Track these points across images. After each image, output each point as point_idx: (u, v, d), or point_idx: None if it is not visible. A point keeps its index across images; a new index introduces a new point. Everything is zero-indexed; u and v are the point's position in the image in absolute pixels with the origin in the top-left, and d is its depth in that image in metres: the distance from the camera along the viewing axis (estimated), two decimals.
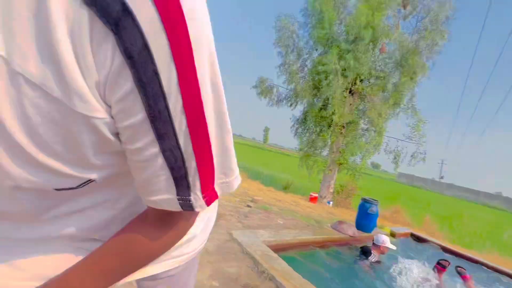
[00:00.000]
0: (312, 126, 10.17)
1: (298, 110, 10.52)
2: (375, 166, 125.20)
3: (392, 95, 8.23)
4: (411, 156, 9.06)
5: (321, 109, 9.14)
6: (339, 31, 9.21)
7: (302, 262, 2.81)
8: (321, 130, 9.79)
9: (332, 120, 8.68)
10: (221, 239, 2.67)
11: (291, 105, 10.36)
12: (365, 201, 4.52)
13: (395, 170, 9.46)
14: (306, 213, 5.65)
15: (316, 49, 9.30)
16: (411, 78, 8.04)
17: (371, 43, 8.15)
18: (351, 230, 4.09)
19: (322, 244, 3.46)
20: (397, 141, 9.42)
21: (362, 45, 7.88)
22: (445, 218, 12.77)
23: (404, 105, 8.56)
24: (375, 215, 4.39)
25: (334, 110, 8.08)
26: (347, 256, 3.53)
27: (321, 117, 9.10)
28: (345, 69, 8.10)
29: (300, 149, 10.36)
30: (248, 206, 4.81)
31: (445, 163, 46.72)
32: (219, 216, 3.46)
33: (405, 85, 8.01)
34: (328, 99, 8.44)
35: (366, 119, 8.54)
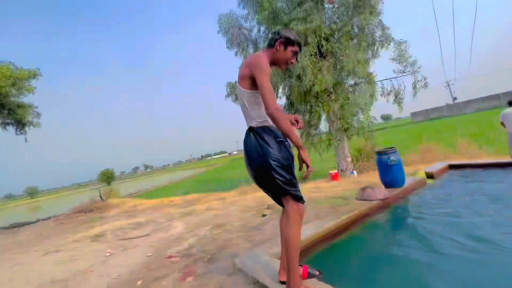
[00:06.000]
0: (301, 107, 9.59)
1: (279, 100, 9.99)
2: (387, 117, 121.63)
3: (360, 37, 7.61)
4: (412, 87, 8.30)
5: (300, 86, 8.59)
6: (282, 6, 8.75)
7: (326, 263, 2.19)
8: (311, 106, 9.19)
9: (317, 92, 8.08)
10: (223, 276, 2.09)
11: None
12: (380, 153, 3.87)
13: (400, 111, 8.70)
14: (330, 194, 4.99)
15: (269, 31, 8.83)
16: (371, 13, 7.42)
17: (316, 1, 7.63)
18: (381, 193, 3.44)
19: (349, 226, 2.83)
20: (391, 80, 8.70)
21: (308, 6, 7.36)
22: (477, 135, 11.75)
23: (377, 40, 7.90)
24: (399, 165, 3.73)
25: (313, 80, 7.50)
26: (383, 226, 2.88)
27: (304, 93, 8.52)
28: (302, 35, 7.57)
29: (300, 134, 9.75)
30: (263, 215, 4.23)
31: (452, 83, 44.36)
32: (224, 245, 2.90)
33: (368, 21, 7.38)
34: (301, 73, 7.87)
35: (346, 72, 7.89)
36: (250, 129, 1.60)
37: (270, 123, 1.57)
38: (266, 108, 1.43)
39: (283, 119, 1.42)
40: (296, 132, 1.56)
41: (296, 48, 1.68)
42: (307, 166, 1.48)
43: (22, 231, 9.61)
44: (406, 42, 7.96)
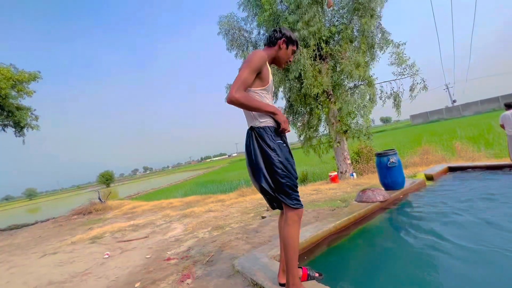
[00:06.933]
0: (300, 109, 9.60)
1: (280, 101, 10.02)
2: (386, 120, 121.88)
3: (361, 39, 7.63)
4: (410, 90, 8.31)
5: (300, 88, 8.60)
6: (282, 8, 8.79)
7: (326, 265, 2.18)
8: (311, 108, 9.20)
9: (316, 93, 8.09)
10: (222, 278, 2.08)
11: None
12: (380, 155, 3.86)
13: (398, 113, 8.69)
14: (329, 196, 4.98)
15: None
16: (371, 16, 7.44)
17: (315, 3, 7.66)
18: (380, 195, 3.43)
19: (349, 228, 2.82)
20: (390, 83, 8.72)
21: (306, 8, 7.39)
22: (476, 137, 11.77)
23: (376, 43, 7.92)
24: (398, 166, 3.72)
25: (311, 83, 7.51)
26: (382, 228, 2.87)
27: (304, 95, 8.53)
28: (302, 39, 7.60)
29: (300, 136, 9.74)
30: (263, 217, 4.21)
31: (451, 86, 44.49)
32: (223, 247, 2.88)
33: (368, 25, 7.40)
34: (303, 75, 7.88)
35: (346, 75, 7.89)
36: (251, 129, 1.58)
37: (272, 123, 1.55)
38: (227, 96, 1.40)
39: (247, 100, 1.41)
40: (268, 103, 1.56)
41: (295, 47, 1.69)
42: (283, 127, 1.53)
43: (20, 233, 9.59)
44: (405, 44, 7.98)
